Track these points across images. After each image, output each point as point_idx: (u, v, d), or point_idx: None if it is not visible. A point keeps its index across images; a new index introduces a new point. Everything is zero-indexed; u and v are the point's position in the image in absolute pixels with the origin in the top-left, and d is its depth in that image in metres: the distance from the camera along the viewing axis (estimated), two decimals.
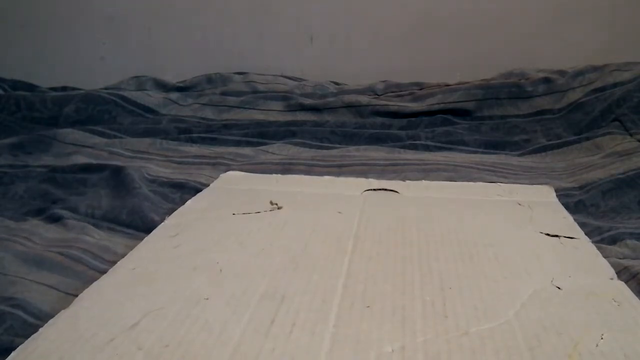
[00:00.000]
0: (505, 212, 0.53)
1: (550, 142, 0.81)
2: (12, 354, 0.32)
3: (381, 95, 1.00)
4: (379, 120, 0.93)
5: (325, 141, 0.86)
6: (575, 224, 0.50)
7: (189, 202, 0.58)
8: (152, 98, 1.03)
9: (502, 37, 1.12)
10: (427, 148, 0.82)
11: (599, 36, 1.10)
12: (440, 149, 0.82)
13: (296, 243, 0.46)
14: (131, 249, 0.47)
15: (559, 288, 0.38)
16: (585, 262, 0.42)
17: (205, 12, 1.22)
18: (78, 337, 0.33)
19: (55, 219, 0.58)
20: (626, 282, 0.41)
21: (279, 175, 0.66)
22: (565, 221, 0.51)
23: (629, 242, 0.50)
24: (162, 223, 0.52)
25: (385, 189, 0.60)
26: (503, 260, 0.43)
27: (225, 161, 0.77)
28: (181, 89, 1.10)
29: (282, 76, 1.11)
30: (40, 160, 0.77)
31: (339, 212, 0.53)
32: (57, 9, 1.27)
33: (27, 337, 0.34)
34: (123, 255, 0.46)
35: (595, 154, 0.75)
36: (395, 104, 0.96)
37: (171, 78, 1.14)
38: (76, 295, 0.39)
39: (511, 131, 0.87)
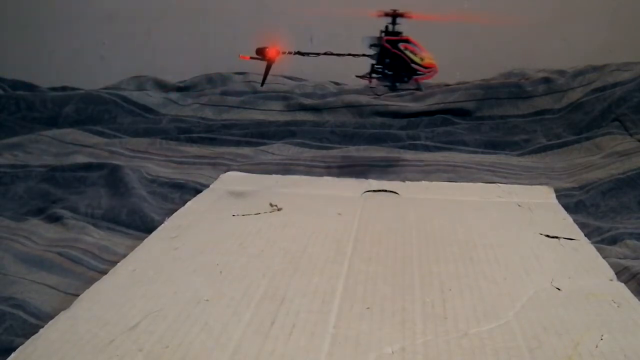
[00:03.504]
0: (505, 213, 0.53)
1: (550, 142, 0.81)
2: (12, 354, 0.32)
3: (381, 95, 1.00)
4: (379, 120, 0.93)
5: (325, 141, 0.86)
6: (575, 225, 0.50)
7: (189, 203, 0.58)
8: (152, 98, 1.03)
9: (502, 37, 1.12)
10: (427, 148, 0.82)
11: (599, 36, 1.10)
12: (440, 149, 0.82)
13: (296, 244, 0.46)
14: (131, 249, 0.47)
15: (558, 289, 0.38)
16: (584, 263, 0.42)
17: (205, 12, 1.22)
18: (78, 338, 0.33)
19: (55, 219, 0.58)
20: (626, 282, 0.41)
21: (279, 175, 0.66)
22: (565, 222, 0.51)
23: (629, 242, 0.50)
24: (162, 224, 0.52)
25: (385, 190, 0.60)
26: (503, 262, 0.43)
27: (225, 161, 0.77)
28: (181, 88, 1.10)
29: (282, 76, 1.11)
30: (40, 160, 0.77)
31: (339, 214, 0.53)
32: (57, 8, 1.27)
33: (27, 337, 0.34)
34: (123, 255, 0.46)
35: (595, 154, 0.75)
36: (395, 104, 0.96)
37: (171, 78, 1.14)
38: (76, 296, 0.39)
39: (511, 131, 0.87)
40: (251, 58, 0.61)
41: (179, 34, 1.24)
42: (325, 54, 0.63)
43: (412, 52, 0.60)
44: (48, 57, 1.29)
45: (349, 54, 0.62)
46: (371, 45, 0.62)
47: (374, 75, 0.62)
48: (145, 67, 1.19)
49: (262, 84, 0.62)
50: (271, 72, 1.10)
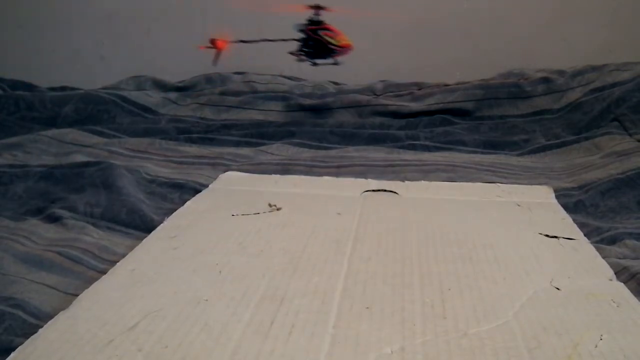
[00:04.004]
0: (505, 213, 0.53)
1: (550, 142, 0.81)
2: (12, 354, 0.32)
3: (380, 95, 1.00)
4: (378, 120, 0.93)
5: (324, 141, 0.86)
6: (574, 225, 0.50)
7: (188, 202, 0.58)
8: (151, 98, 1.03)
9: (502, 37, 1.12)
10: (426, 148, 0.82)
11: (599, 36, 1.10)
12: (439, 149, 0.82)
13: (295, 244, 0.46)
14: (130, 249, 0.47)
15: (558, 289, 0.38)
16: (584, 263, 0.42)
17: (204, 12, 1.22)
18: (77, 338, 0.33)
19: (55, 219, 0.58)
20: (625, 282, 0.41)
21: (278, 175, 0.66)
22: (565, 222, 0.51)
23: (628, 242, 0.50)
24: (162, 224, 0.52)
25: (385, 190, 0.60)
26: (502, 261, 0.43)
27: (225, 161, 0.77)
28: (180, 88, 1.10)
29: (281, 76, 1.11)
30: (39, 160, 0.77)
31: (338, 213, 0.53)
32: (56, 8, 1.27)
33: (26, 337, 0.34)
34: (122, 255, 0.46)
35: (594, 154, 0.75)
36: (394, 104, 0.96)
37: (170, 78, 1.13)
38: (76, 295, 0.39)
39: (510, 131, 0.87)
40: (206, 47, 0.78)
41: (179, 33, 1.24)
42: (262, 40, 0.81)
43: (329, 37, 0.76)
44: (48, 57, 1.29)
45: (281, 39, 0.79)
46: (300, 30, 0.80)
47: (301, 52, 0.80)
48: (144, 67, 1.19)
49: (214, 64, 0.80)
50: (271, 72, 1.18)
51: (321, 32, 0.76)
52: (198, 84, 1.10)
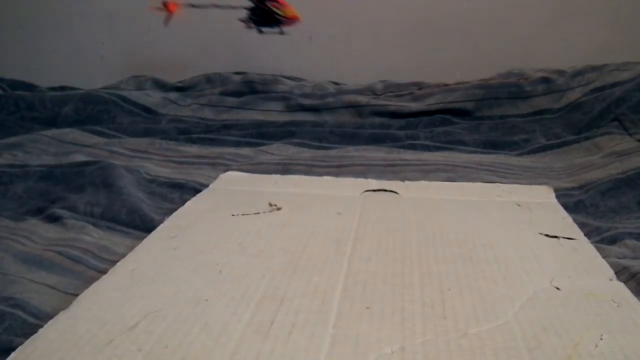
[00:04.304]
0: (505, 213, 0.54)
1: (550, 142, 0.81)
2: (12, 354, 0.32)
3: (380, 95, 1.00)
4: (378, 120, 0.93)
5: (324, 141, 0.86)
6: (575, 225, 0.50)
7: (188, 202, 0.58)
8: (151, 98, 1.03)
9: (502, 37, 1.12)
10: (426, 148, 0.82)
11: (599, 36, 1.10)
12: (439, 149, 0.82)
13: (295, 244, 0.46)
14: (131, 249, 0.47)
15: (558, 289, 0.38)
16: (584, 263, 0.42)
17: (204, 12, 1.22)
18: (77, 338, 0.33)
19: (55, 219, 0.58)
20: (625, 282, 0.41)
21: (279, 175, 0.66)
22: (565, 222, 0.51)
23: (628, 242, 0.50)
24: (162, 224, 0.52)
25: (385, 190, 0.60)
26: (502, 261, 0.43)
27: (225, 161, 0.77)
28: (180, 88, 1.10)
29: (281, 76, 1.11)
30: (39, 160, 0.77)
31: (339, 213, 0.53)
32: (56, 8, 1.27)
33: (26, 337, 0.34)
34: (122, 255, 0.46)
35: (594, 153, 0.75)
36: (394, 104, 0.96)
37: (170, 78, 1.14)
38: (76, 295, 0.39)
39: (510, 131, 0.87)
40: (157, 8, 0.82)
41: (178, 33, 1.24)
42: (211, 6, 0.85)
43: (276, 8, 0.81)
44: (48, 57, 1.29)
45: (230, 7, 0.83)
46: None
47: (250, 20, 0.84)
48: (144, 67, 1.19)
49: (165, 25, 0.82)
50: (271, 71, 1.19)
51: (268, 3, 0.81)
52: (198, 84, 1.10)
